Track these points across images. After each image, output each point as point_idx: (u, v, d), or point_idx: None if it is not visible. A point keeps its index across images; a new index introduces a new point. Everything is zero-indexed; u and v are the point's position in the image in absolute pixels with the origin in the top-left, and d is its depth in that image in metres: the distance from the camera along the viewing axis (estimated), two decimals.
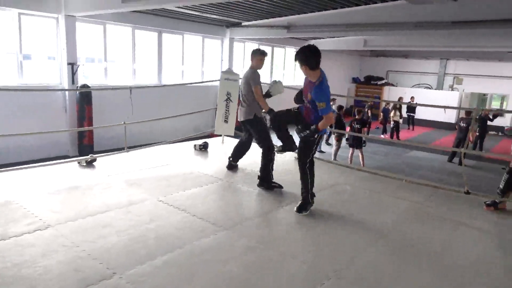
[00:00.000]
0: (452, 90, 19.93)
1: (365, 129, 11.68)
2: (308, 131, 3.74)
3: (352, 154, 10.09)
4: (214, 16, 11.42)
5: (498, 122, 15.41)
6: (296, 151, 4.14)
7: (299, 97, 3.99)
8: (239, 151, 5.26)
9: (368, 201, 4.47)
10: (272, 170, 4.62)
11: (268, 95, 4.75)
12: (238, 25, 12.91)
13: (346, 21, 10.00)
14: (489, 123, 13.24)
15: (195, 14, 10.99)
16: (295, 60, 3.68)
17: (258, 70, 4.77)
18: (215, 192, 4.56)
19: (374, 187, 4.94)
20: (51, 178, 4.60)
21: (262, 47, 14.71)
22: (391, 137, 14.57)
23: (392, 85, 21.39)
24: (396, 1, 8.47)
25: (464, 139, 10.64)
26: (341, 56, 20.10)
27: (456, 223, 3.92)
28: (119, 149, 5.67)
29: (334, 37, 14.82)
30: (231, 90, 5.61)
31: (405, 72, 21.66)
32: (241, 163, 5.39)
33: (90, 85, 9.45)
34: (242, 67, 14.04)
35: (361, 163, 9.72)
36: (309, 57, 3.61)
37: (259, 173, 4.62)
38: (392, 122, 14.90)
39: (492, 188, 4.95)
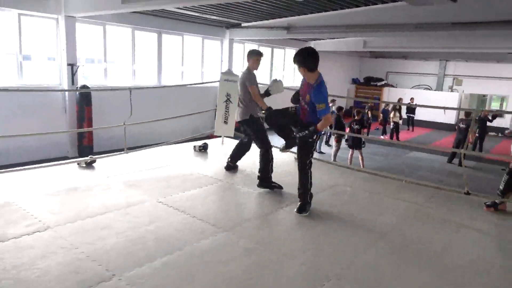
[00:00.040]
0: (451, 91, 19.95)
1: (365, 130, 11.69)
2: (307, 132, 3.75)
3: (351, 155, 10.09)
4: (214, 17, 11.42)
5: (498, 123, 15.45)
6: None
7: (296, 98, 4.01)
8: (238, 152, 5.27)
9: (368, 202, 4.46)
10: (272, 171, 4.62)
11: (267, 93, 4.77)
12: (237, 26, 12.92)
13: (346, 22, 10.01)
14: (488, 124, 13.26)
15: (195, 15, 10.99)
16: (294, 62, 3.73)
17: (254, 71, 4.86)
18: (215, 193, 4.55)
19: (374, 188, 4.94)
20: (50, 179, 4.59)
21: (262, 48, 14.74)
22: (391, 138, 14.57)
23: (392, 86, 21.41)
24: (396, 2, 8.49)
25: (463, 140, 10.63)
26: (340, 57, 20.12)
27: (456, 224, 3.92)
28: (119, 150, 5.67)
29: (334, 38, 14.85)
30: (230, 91, 5.60)
31: (405, 73, 21.69)
32: (241, 164, 5.39)
33: (89, 86, 9.45)
34: (241, 68, 14.00)
35: (361, 164, 9.71)
36: (307, 59, 3.65)
37: (258, 174, 4.62)
38: (391, 123, 14.91)
39: (492, 189, 4.95)
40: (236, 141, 5.74)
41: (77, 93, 9.37)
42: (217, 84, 6.22)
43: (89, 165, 5.14)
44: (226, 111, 5.74)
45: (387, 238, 3.54)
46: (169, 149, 6.34)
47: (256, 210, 4.20)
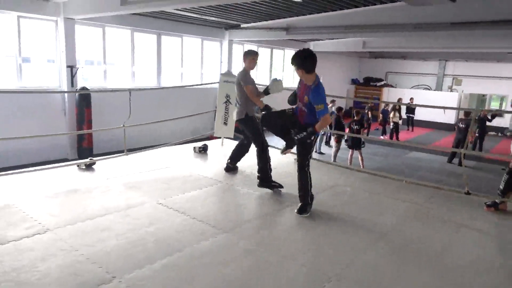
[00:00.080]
0: (451, 91, 19.95)
1: (365, 130, 11.69)
2: (305, 133, 3.75)
3: (351, 155, 10.09)
4: (213, 18, 11.43)
5: (497, 122, 15.46)
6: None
7: (293, 99, 4.02)
8: (238, 154, 5.28)
9: (368, 202, 4.46)
10: (271, 170, 4.62)
11: (266, 92, 4.77)
12: (237, 27, 12.93)
13: (345, 23, 10.02)
14: (488, 123, 13.25)
15: (194, 16, 11.00)
16: (292, 64, 3.74)
17: (251, 71, 4.95)
18: (215, 194, 4.55)
19: (374, 188, 4.94)
20: (50, 181, 4.59)
21: (261, 49, 14.76)
22: (391, 138, 14.57)
23: (391, 86, 21.42)
24: (395, 3, 8.51)
25: (463, 139, 10.63)
26: (340, 58, 20.13)
27: (456, 224, 3.92)
28: (119, 152, 5.66)
29: (333, 38, 14.86)
30: (230, 92, 5.60)
31: (404, 73, 21.70)
32: (240, 165, 5.39)
33: (89, 88, 9.45)
34: (241, 69, 14.03)
35: (361, 164, 9.71)
36: (305, 61, 3.66)
37: (258, 174, 4.62)
38: (391, 123, 14.91)
39: (492, 189, 4.95)
40: (236, 142, 5.74)
41: (77, 95, 9.37)
42: (216, 85, 6.22)
43: (89, 167, 5.14)
44: (225, 112, 5.74)
45: (387, 238, 3.54)
46: (169, 151, 6.34)
47: (256, 211, 4.20)
